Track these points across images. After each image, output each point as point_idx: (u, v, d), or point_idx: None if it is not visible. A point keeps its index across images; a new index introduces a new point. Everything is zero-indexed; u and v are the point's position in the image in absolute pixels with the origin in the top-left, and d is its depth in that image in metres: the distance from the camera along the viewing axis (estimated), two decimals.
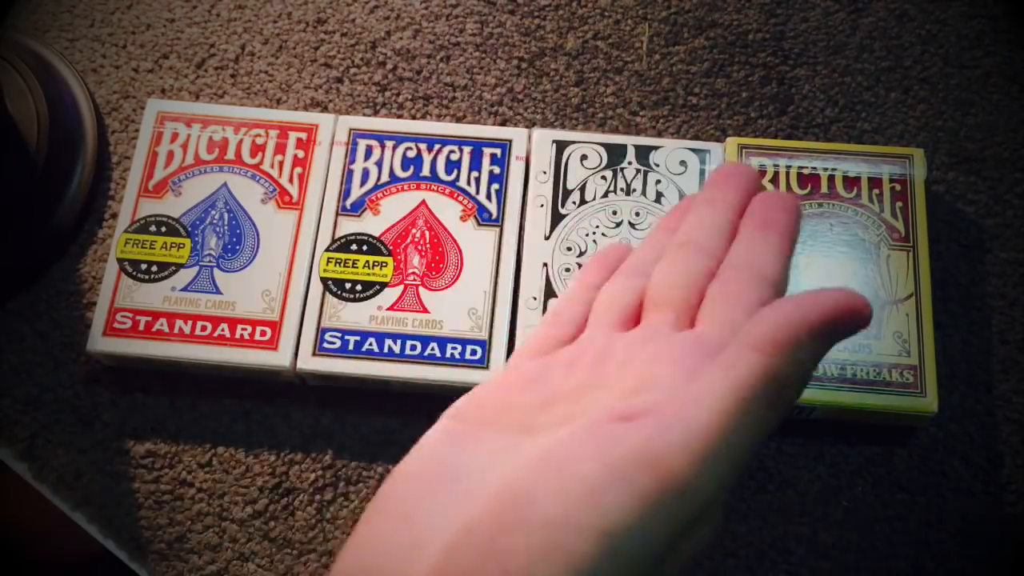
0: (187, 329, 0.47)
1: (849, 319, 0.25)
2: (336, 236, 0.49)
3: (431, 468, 0.27)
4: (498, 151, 0.50)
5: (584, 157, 0.50)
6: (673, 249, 0.31)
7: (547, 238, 0.49)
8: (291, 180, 0.50)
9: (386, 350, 0.46)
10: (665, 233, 0.33)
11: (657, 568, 0.23)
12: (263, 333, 0.47)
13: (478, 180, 0.50)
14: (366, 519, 0.26)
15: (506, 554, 0.22)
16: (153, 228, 0.49)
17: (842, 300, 0.25)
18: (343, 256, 0.48)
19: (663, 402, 0.24)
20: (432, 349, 0.46)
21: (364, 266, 0.48)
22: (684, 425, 0.23)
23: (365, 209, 0.49)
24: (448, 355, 0.46)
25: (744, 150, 0.50)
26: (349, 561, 0.25)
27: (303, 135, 0.51)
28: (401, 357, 0.46)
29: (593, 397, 0.27)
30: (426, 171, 0.50)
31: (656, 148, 0.50)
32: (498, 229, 0.49)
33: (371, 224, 0.49)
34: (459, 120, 0.54)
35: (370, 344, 0.46)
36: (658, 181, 0.50)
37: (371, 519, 0.26)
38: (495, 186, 0.50)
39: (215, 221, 0.49)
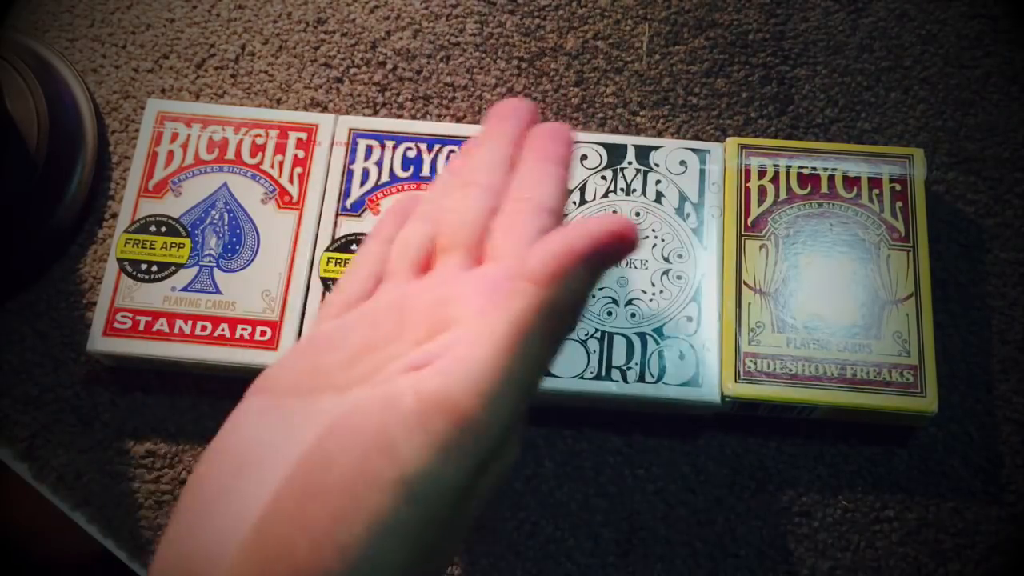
0: (187, 329, 0.47)
1: (616, 245, 0.26)
2: (336, 236, 0.49)
3: (238, 446, 0.27)
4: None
5: (584, 157, 0.50)
6: (457, 190, 0.32)
7: None
8: (291, 180, 0.50)
9: None
10: (451, 175, 0.34)
11: (457, 509, 0.24)
12: (263, 333, 0.47)
13: None
14: (180, 505, 0.26)
15: (311, 521, 0.22)
16: (153, 228, 0.49)
17: (608, 227, 0.26)
18: (343, 256, 0.48)
19: (450, 345, 0.25)
20: None
21: None
22: (468, 366, 0.24)
23: (365, 209, 0.49)
24: None
25: (744, 150, 0.50)
26: (166, 551, 0.25)
27: (303, 135, 0.51)
28: None
29: (392, 349, 0.27)
30: (426, 171, 0.50)
31: (656, 148, 0.50)
32: None
33: (371, 224, 0.49)
34: (459, 120, 0.54)
35: None
36: (658, 181, 0.50)
37: (184, 504, 0.26)
38: None
39: (215, 221, 0.49)
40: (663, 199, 0.49)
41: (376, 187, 0.50)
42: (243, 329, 0.47)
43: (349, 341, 0.28)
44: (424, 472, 0.23)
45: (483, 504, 0.26)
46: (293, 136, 0.51)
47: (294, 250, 0.48)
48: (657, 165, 0.50)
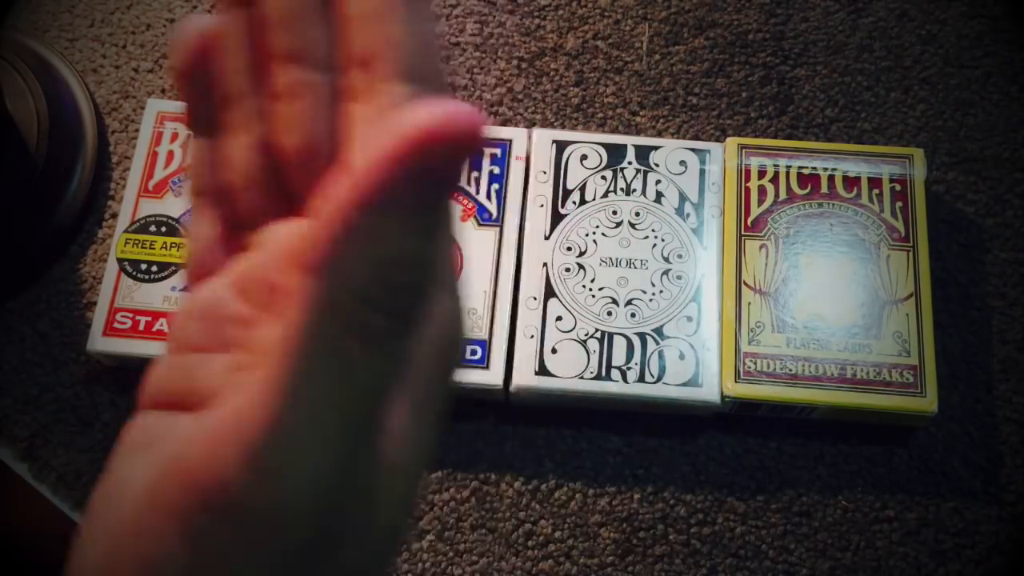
0: None
1: (434, 151, 0.15)
2: None
3: (105, 490, 0.20)
4: (498, 151, 0.50)
5: (584, 157, 0.50)
6: (280, 72, 0.20)
7: (547, 238, 0.49)
8: None
9: None
10: (240, 23, 0.21)
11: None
12: None
13: (478, 180, 0.50)
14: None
15: (138, 560, 0.17)
16: (153, 228, 0.49)
17: (407, 132, 0.15)
18: None
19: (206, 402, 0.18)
20: None
21: None
22: (230, 426, 0.17)
23: None
24: None
25: (744, 150, 0.50)
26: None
27: None
28: None
29: (259, 340, 0.20)
30: None
31: (656, 148, 0.50)
32: (498, 229, 0.49)
33: None
34: None
35: None
36: (658, 181, 0.50)
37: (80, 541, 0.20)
38: (495, 186, 0.50)
39: None
40: (663, 199, 0.49)
41: None
42: None
43: (225, 328, 0.20)
44: (255, 493, 0.16)
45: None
46: None
47: None
48: (657, 165, 0.50)
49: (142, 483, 0.17)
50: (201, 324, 0.20)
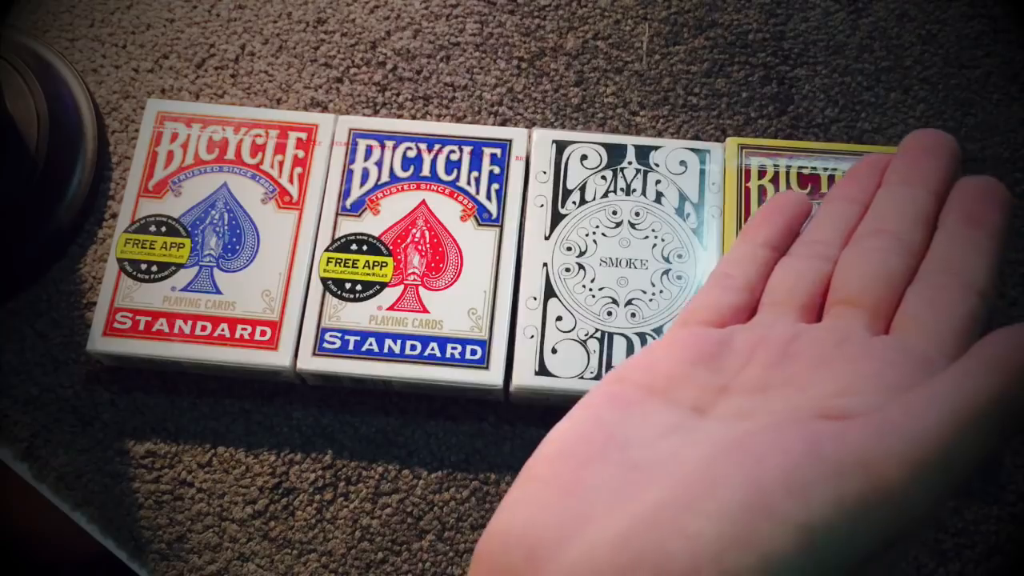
0: (187, 329, 0.47)
1: None
2: (336, 236, 0.49)
3: (593, 433, 0.25)
4: (498, 151, 0.50)
5: (584, 157, 0.50)
6: (866, 237, 0.28)
7: (547, 238, 0.49)
8: (291, 180, 0.50)
9: (386, 350, 0.46)
10: (846, 204, 0.30)
11: (849, 574, 0.22)
12: (263, 333, 0.47)
13: (478, 180, 0.50)
14: (519, 485, 0.24)
15: (695, 537, 0.21)
16: (153, 228, 0.49)
17: None
18: (343, 256, 0.48)
19: (874, 408, 0.23)
20: (432, 349, 0.46)
21: (364, 266, 0.48)
22: (903, 433, 0.21)
23: (365, 209, 0.49)
24: (448, 355, 0.46)
25: (744, 150, 0.50)
26: (500, 530, 0.23)
27: (303, 135, 0.51)
28: (401, 357, 0.46)
29: (781, 395, 0.25)
30: (426, 171, 0.50)
31: (656, 148, 0.50)
32: (498, 229, 0.49)
33: (371, 224, 0.49)
34: (459, 120, 0.54)
35: (370, 344, 0.46)
36: (658, 181, 0.50)
37: (525, 485, 0.24)
38: (495, 186, 0.50)
39: (215, 221, 0.49)
40: (663, 199, 0.49)
41: (376, 187, 0.50)
42: (243, 329, 0.47)
43: (728, 366, 0.26)
44: (830, 526, 0.20)
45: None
46: (293, 136, 0.51)
47: (294, 250, 0.48)
48: (657, 165, 0.50)
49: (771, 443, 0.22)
50: (700, 346, 0.27)
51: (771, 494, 0.21)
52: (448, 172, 0.50)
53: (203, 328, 0.47)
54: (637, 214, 0.49)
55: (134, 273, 0.48)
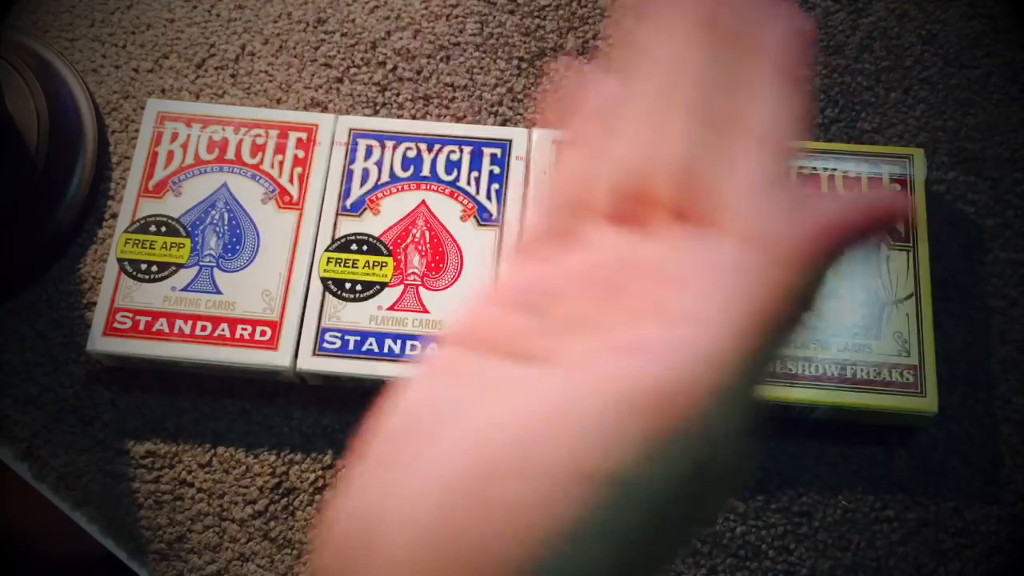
0: (187, 329, 0.47)
1: (883, 224, 0.23)
2: (336, 236, 0.49)
3: (414, 405, 0.24)
4: (498, 151, 0.50)
5: None
6: (670, 114, 0.25)
7: None
8: (291, 180, 0.50)
9: (386, 350, 0.46)
10: (647, 72, 0.27)
11: (668, 514, 0.21)
12: (263, 333, 0.47)
13: (478, 180, 0.50)
14: (366, 453, 0.24)
15: (507, 506, 0.20)
16: (153, 228, 0.49)
17: (880, 205, 0.22)
18: (343, 256, 0.48)
19: (675, 330, 0.22)
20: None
21: (364, 266, 0.48)
22: (697, 356, 0.21)
23: (365, 209, 0.49)
24: None
25: None
26: (336, 516, 0.23)
27: (303, 135, 0.51)
28: (401, 357, 0.46)
29: (603, 321, 0.24)
30: (426, 171, 0.50)
31: None
32: (498, 229, 0.49)
33: (371, 224, 0.49)
34: (459, 120, 0.54)
35: (370, 344, 0.46)
36: None
37: (353, 469, 0.24)
38: (495, 186, 0.50)
39: (215, 221, 0.49)
40: None
41: (376, 187, 0.50)
42: (243, 329, 0.47)
43: (554, 303, 0.25)
44: (638, 470, 0.20)
45: (708, 515, 0.24)
46: (293, 136, 0.51)
47: (294, 250, 0.48)
48: None
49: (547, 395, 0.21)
50: (526, 290, 0.25)
51: (575, 447, 0.20)
52: (448, 172, 0.50)
53: (203, 328, 0.47)
54: None
55: (134, 273, 0.48)
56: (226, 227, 0.49)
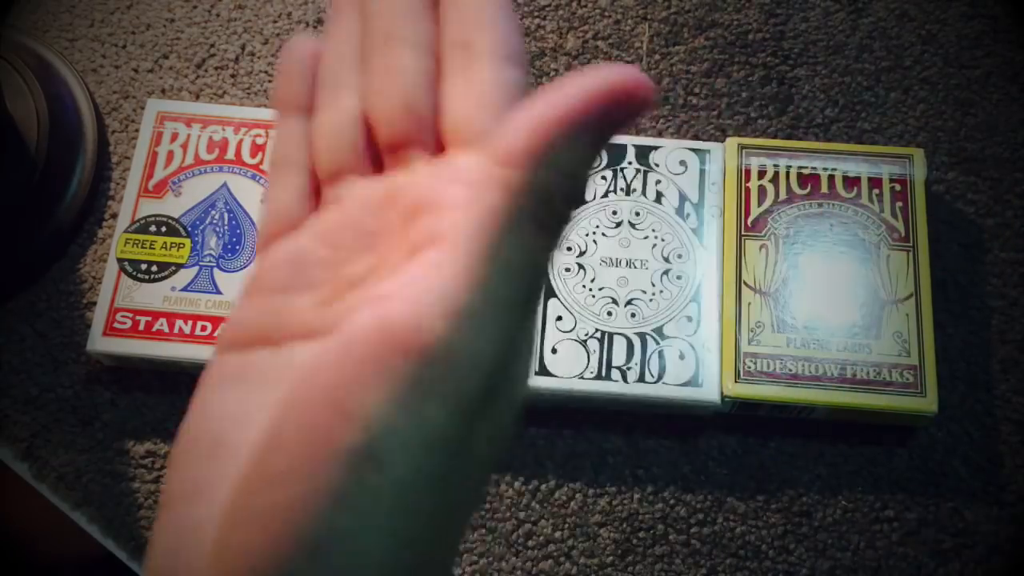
0: (187, 329, 0.47)
1: (618, 105, 0.20)
2: None
3: (199, 427, 0.22)
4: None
5: None
6: (378, 51, 0.24)
7: None
8: None
9: None
10: (348, 19, 0.26)
11: (445, 467, 0.19)
12: None
13: None
14: (164, 489, 0.22)
15: (269, 516, 0.19)
16: (153, 228, 0.49)
17: (604, 82, 0.20)
18: None
19: (413, 265, 0.20)
20: None
21: None
22: (430, 285, 0.19)
23: None
24: None
25: (744, 150, 0.50)
26: (154, 547, 0.21)
27: None
28: None
29: (359, 276, 0.23)
30: None
31: (656, 148, 0.50)
32: None
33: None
34: None
35: None
36: (658, 181, 0.50)
37: (165, 491, 0.22)
38: None
39: (215, 221, 0.49)
40: (663, 199, 0.49)
41: None
42: None
43: (310, 272, 0.23)
44: (389, 428, 0.18)
45: (488, 463, 0.22)
46: None
47: None
48: (657, 165, 0.50)
49: (301, 368, 0.20)
50: (285, 270, 0.24)
51: (323, 427, 0.19)
52: None
53: (203, 328, 0.47)
54: (637, 214, 0.49)
55: (134, 273, 0.48)
56: (226, 227, 0.49)
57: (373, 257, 0.22)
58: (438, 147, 0.23)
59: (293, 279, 0.23)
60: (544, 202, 0.20)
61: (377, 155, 0.24)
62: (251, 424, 0.21)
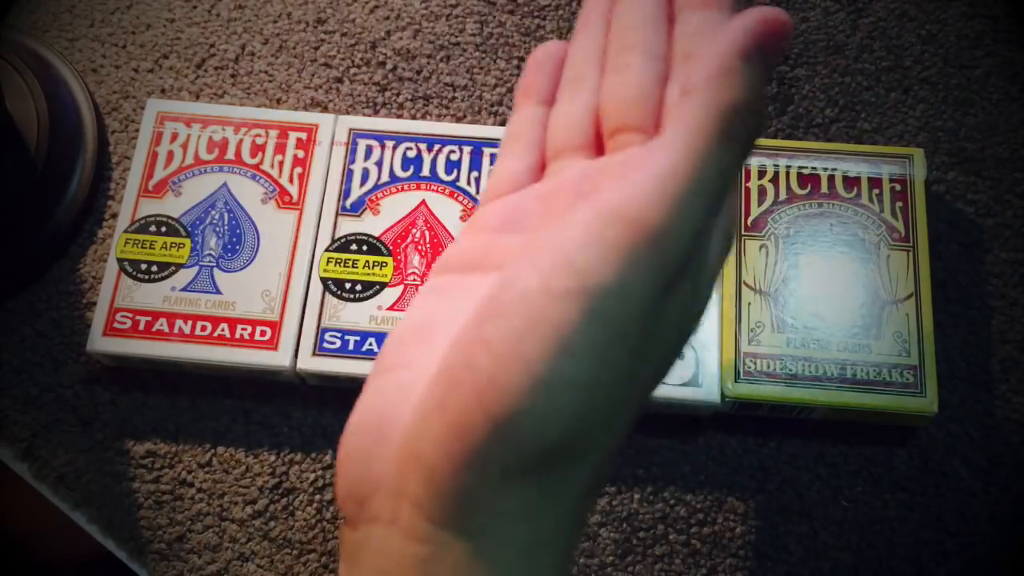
0: (187, 329, 0.47)
1: (776, 32, 0.25)
2: (336, 236, 0.49)
3: (413, 322, 0.27)
4: (498, 151, 0.50)
5: None
6: (617, 56, 0.29)
7: None
8: (291, 180, 0.50)
9: None
10: (592, 28, 0.31)
11: (645, 328, 0.23)
12: (263, 333, 0.47)
13: (478, 180, 0.50)
14: (367, 380, 0.27)
15: (492, 340, 0.22)
16: (153, 228, 0.49)
17: (765, 15, 0.25)
18: (343, 256, 0.48)
19: (631, 161, 0.24)
20: None
21: (364, 266, 0.48)
22: (649, 173, 0.23)
23: (365, 209, 0.49)
24: None
25: None
26: (352, 423, 0.26)
27: (303, 135, 0.51)
28: None
29: (562, 218, 0.26)
30: (426, 171, 0.50)
31: None
32: None
33: (371, 224, 0.49)
34: (459, 120, 0.54)
35: (370, 344, 0.46)
36: None
37: (369, 380, 0.27)
38: None
39: (215, 221, 0.49)
40: None
41: (376, 187, 0.50)
42: (243, 329, 0.47)
43: (527, 221, 0.28)
44: (606, 285, 0.22)
45: (683, 333, 0.26)
46: (293, 136, 0.51)
47: (294, 250, 0.48)
48: None
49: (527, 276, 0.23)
50: (501, 216, 0.28)
51: (546, 271, 0.22)
52: (448, 172, 0.50)
53: (203, 328, 0.47)
54: None
55: (134, 273, 0.48)
56: (226, 227, 0.49)
57: (577, 206, 0.25)
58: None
59: (507, 223, 0.28)
60: (738, 115, 0.24)
61: (601, 143, 0.29)
62: (461, 316, 0.24)
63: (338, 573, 0.26)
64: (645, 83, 0.28)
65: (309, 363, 0.46)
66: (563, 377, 0.22)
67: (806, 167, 0.50)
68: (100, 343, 0.47)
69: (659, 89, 0.28)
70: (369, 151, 0.51)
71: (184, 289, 0.48)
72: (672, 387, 0.45)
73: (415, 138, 0.51)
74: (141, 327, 0.47)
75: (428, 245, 0.48)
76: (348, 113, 0.54)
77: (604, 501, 0.47)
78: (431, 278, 0.29)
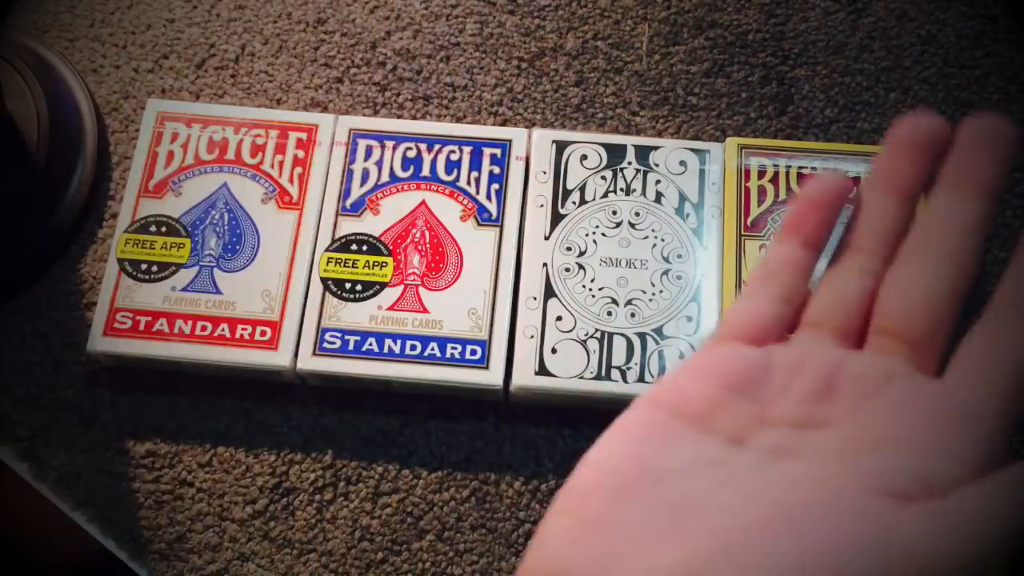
0: (187, 329, 0.47)
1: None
2: (336, 236, 0.49)
3: (626, 465, 0.23)
4: (498, 151, 0.50)
5: (584, 157, 0.50)
6: (913, 254, 0.26)
7: (547, 238, 0.49)
8: (291, 180, 0.50)
9: (386, 350, 0.46)
10: (890, 199, 0.28)
11: None
12: (263, 333, 0.47)
13: (478, 180, 0.50)
14: (551, 518, 0.23)
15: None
16: (153, 228, 0.49)
17: None
18: (343, 256, 0.48)
19: (927, 485, 0.21)
20: (432, 349, 0.46)
21: (364, 266, 0.48)
22: (960, 532, 0.20)
23: (365, 209, 0.49)
24: (448, 355, 0.46)
25: (744, 150, 0.50)
26: (531, 566, 0.22)
27: (303, 135, 0.51)
28: (401, 357, 0.46)
29: (821, 435, 0.23)
30: (426, 171, 0.50)
31: (656, 148, 0.50)
32: (498, 229, 0.49)
33: (371, 224, 0.49)
34: (459, 120, 0.54)
35: (370, 344, 0.46)
36: (658, 181, 0.50)
37: (557, 520, 0.23)
38: (495, 186, 0.50)
39: (215, 221, 0.49)
40: (663, 199, 0.49)
41: (376, 187, 0.50)
42: (243, 329, 0.47)
43: (765, 393, 0.25)
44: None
45: None
46: (293, 136, 0.51)
47: (294, 250, 0.48)
48: (657, 165, 0.50)
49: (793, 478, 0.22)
50: (736, 371, 0.25)
51: (814, 574, 0.20)
52: (448, 172, 0.50)
53: (203, 328, 0.47)
54: (637, 214, 0.49)
55: (134, 273, 0.48)
56: (226, 227, 0.49)
57: (827, 409, 0.24)
58: (921, 359, 0.25)
59: (742, 383, 0.25)
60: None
61: (859, 326, 0.26)
62: (695, 492, 0.22)
63: None
64: (934, 298, 0.25)
65: (309, 363, 0.46)
66: None
67: (806, 167, 0.50)
68: (100, 343, 0.47)
69: (948, 311, 0.25)
70: (369, 151, 0.51)
71: (184, 289, 0.48)
72: None
73: (415, 138, 0.51)
74: (141, 327, 0.47)
75: (428, 245, 0.48)
76: (348, 113, 0.54)
77: None
78: (641, 410, 0.25)
